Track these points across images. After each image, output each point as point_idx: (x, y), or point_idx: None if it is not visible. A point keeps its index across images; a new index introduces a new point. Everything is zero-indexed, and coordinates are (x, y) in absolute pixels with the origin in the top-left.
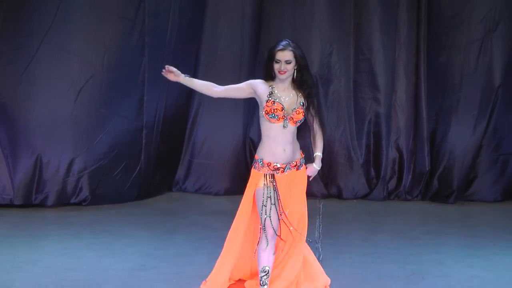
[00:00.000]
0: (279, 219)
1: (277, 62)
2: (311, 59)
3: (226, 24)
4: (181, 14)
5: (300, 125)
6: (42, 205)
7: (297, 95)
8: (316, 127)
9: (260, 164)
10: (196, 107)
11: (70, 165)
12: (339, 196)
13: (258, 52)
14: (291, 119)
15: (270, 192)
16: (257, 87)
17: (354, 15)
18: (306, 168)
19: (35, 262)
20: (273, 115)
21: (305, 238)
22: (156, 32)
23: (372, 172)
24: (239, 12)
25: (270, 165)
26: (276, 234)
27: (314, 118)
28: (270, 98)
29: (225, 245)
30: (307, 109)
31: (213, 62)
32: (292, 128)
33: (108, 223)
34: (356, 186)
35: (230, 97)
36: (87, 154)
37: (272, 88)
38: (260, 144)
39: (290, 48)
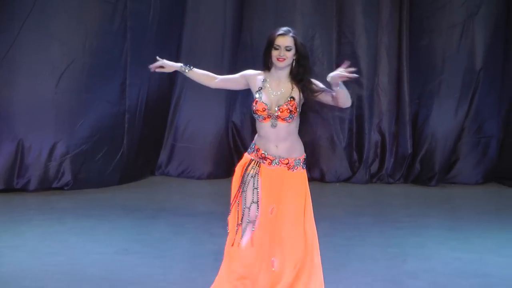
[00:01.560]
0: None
1: (276, 49)
2: None
3: (208, 8)
4: None
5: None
6: (24, 189)
7: (291, 89)
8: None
9: (252, 147)
10: (179, 91)
11: (52, 149)
12: (321, 179)
13: (241, 36)
14: (278, 117)
15: (254, 182)
16: (251, 80)
17: None
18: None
19: (17, 247)
20: (257, 115)
21: (316, 248)
22: (138, 15)
23: (355, 155)
24: None
25: (259, 151)
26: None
27: (325, 95)
28: (256, 97)
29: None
30: (307, 98)
31: (196, 46)
32: (283, 125)
33: (90, 208)
34: (338, 169)
35: (227, 88)
36: (69, 138)
37: (264, 82)
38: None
39: (291, 34)
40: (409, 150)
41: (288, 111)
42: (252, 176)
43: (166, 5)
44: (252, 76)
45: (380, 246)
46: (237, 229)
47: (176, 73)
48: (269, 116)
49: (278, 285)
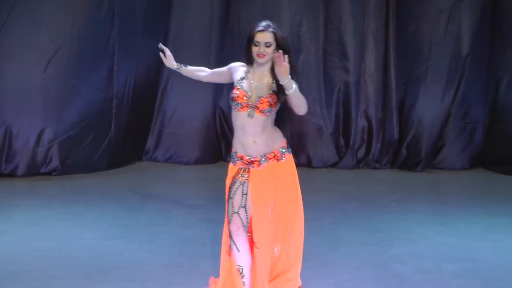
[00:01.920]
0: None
1: (255, 45)
2: (281, 29)
3: None
4: None
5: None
6: (12, 175)
7: (272, 83)
8: None
9: (235, 157)
10: (166, 76)
11: (40, 135)
12: (308, 164)
13: (228, 22)
14: (256, 108)
15: (244, 188)
16: (234, 71)
17: None
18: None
19: (5, 232)
20: (235, 102)
21: (301, 236)
22: (126, 2)
23: (342, 141)
24: None
25: (243, 159)
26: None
27: None
28: (237, 84)
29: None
30: (279, 96)
31: (183, 33)
32: (260, 118)
33: (78, 193)
34: (325, 154)
35: (217, 81)
36: (57, 124)
37: (246, 73)
38: (234, 135)
39: (271, 30)
40: (396, 136)
41: (268, 103)
42: (241, 183)
43: None
44: (235, 68)
45: (366, 231)
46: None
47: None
48: (247, 105)
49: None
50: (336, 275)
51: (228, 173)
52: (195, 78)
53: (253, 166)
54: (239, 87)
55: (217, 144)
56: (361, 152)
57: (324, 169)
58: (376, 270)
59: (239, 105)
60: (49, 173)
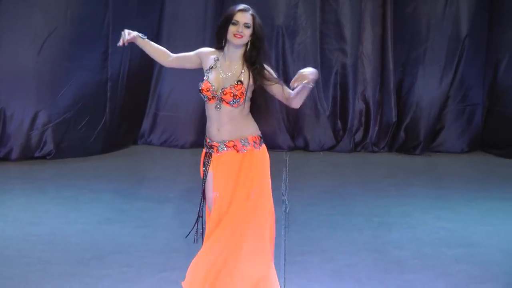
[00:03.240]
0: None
1: (234, 24)
2: (277, 10)
3: None
4: None
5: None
6: (5, 159)
7: (241, 72)
8: (289, 96)
9: (205, 142)
10: None
11: (34, 118)
12: (305, 148)
13: (224, 3)
14: (222, 100)
15: (206, 173)
16: (204, 58)
17: None
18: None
19: None
20: (201, 94)
21: (260, 237)
22: None
23: (339, 124)
24: None
25: (206, 141)
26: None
27: (277, 87)
28: (204, 75)
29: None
30: (257, 84)
31: (178, 14)
32: (227, 109)
33: (73, 177)
34: (322, 138)
35: (182, 67)
36: (51, 107)
37: (216, 61)
38: None
39: (251, 12)
40: (394, 119)
41: (232, 95)
42: (207, 170)
43: None
44: (205, 54)
45: (364, 215)
46: (196, 225)
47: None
48: (213, 97)
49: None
50: (334, 261)
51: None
52: (154, 58)
53: (213, 151)
54: (205, 78)
55: None
56: (358, 135)
57: (321, 153)
58: (374, 255)
59: (205, 97)
60: (43, 157)
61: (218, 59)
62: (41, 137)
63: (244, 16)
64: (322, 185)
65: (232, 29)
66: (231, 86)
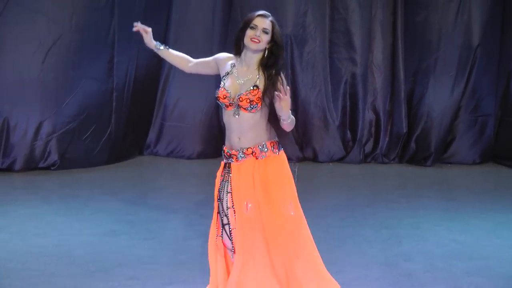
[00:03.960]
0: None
1: (252, 28)
2: (286, 19)
3: None
4: None
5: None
6: (9, 169)
7: (257, 78)
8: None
9: (223, 153)
10: (168, 68)
11: (38, 128)
12: (314, 159)
13: (231, 10)
14: (239, 106)
15: (227, 185)
16: (220, 64)
17: None
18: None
19: (2, 228)
20: (219, 102)
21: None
22: None
23: (348, 135)
24: None
25: (225, 152)
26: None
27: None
28: (221, 82)
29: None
30: (267, 92)
31: (185, 21)
32: (245, 115)
33: (77, 188)
34: (331, 149)
35: (202, 73)
36: (56, 117)
37: (232, 67)
38: None
39: (271, 19)
40: (404, 129)
41: (248, 101)
42: (225, 181)
43: None
44: (222, 60)
45: (374, 227)
46: (216, 240)
47: None
48: (231, 104)
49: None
50: (343, 273)
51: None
52: (175, 65)
53: (232, 161)
54: (221, 85)
55: (220, 138)
56: (368, 146)
57: (331, 164)
58: (384, 268)
59: (222, 104)
60: (47, 168)
61: (234, 65)
62: (45, 147)
63: (263, 21)
64: (331, 197)
65: (249, 33)
66: (247, 92)
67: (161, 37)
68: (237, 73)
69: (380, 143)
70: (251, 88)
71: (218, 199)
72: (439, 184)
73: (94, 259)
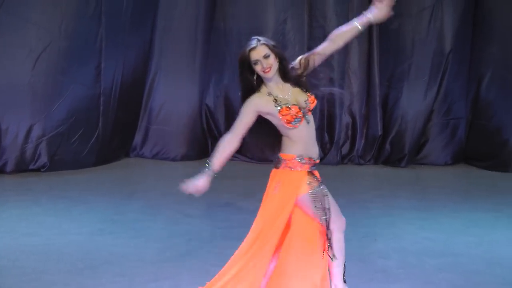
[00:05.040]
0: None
1: (256, 64)
2: (266, 26)
3: None
4: None
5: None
6: (1, 171)
7: (294, 87)
8: (329, 45)
9: (300, 160)
10: (153, 74)
11: (29, 131)
12: None
13: (213, 19)
14: (308, 111)
15: (323, 190)
16: (260, 105)
17: None
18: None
19: None
20: (293, 121)
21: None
22: (113, 0)
23: (326, 137)
24: None
25: (311, 160)
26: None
27: (319, 55)
28: (281, 106)
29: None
30: (307, 67)
31: (170, 30)
32: (311, 118)
33: (66, 189)
34: None
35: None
36: (45, 121)
37: (270, 95)
38: (288, 146)
39: (262, 42)
40: (379, 132)
41: (315, 98)
42: (319, 186)
43: None
44: (259, 102)
45: (351, 226)
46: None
47: (150, 57)
48: (303, 115)
49: None
50: None
51: (275, 181)
52: (232, 155)
53: (315, 169)
54: (286, 106)
55: (203, 141)
56: (345, 148)
57: None
58: (360, 264)
59: (298, 120)
60: (37, 170)
61: (271, 93)
62: (35, 150)
63: (258, 52)
64: None
65: (257, 68)
66: (309, 94)
67: (146, 45)
68: (280, 93)
69: (357, 145)
70: (305, 90)
71: (323, 207)
72: (413, 184)
73: (82, 257)
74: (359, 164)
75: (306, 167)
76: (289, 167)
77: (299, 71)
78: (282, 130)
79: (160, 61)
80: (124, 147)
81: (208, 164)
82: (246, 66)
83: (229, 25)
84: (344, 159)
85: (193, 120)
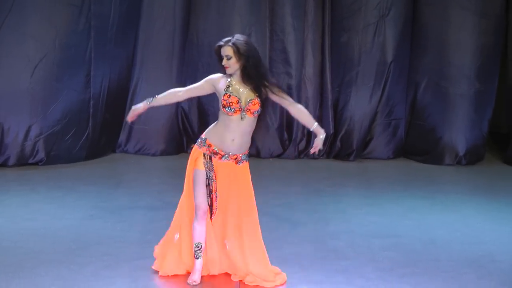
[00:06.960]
0: (210, 197)
1: (221, 58)
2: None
3: (160, 9)
4: (122, 1)
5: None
6: (3, 165)
7: (249, 89)
8: (290, 106)
9: (203, 143)
10: (136, 81)
11: (28, 131)
12: (257, 155)
13: (188, 33)
14: (248, 110)
15: (209, 173)
16: (216, 82)
17: (269, 1)
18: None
19: None
20: (229, 108)
21: (257, 233)
22: (101, 16)
23: (285, 135)
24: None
25: (211, 147)
26: (211, 209)
27: (281, 99)
28: (226, 92)
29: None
30: (263, 98)
31: (149, 43)
32: (250, 119)
33: (61, 180)
34: (271, 146)
35: (193, 96)
36: (43, 121)
37: (229, 81)
38: (212, 127)
39: (230, 44)
40: (331, 131)
41: (259, 104)
42: (211, 171)
43: (124, 8)
44: (217, 80)
45: (307, 211)
46: (211, 209)
47: (133, 66)
48: (240, 109)
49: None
50: (281, 250)
51: (190, 154)
52: (172, 103)
53: (215, 157)
54: (229, 94)
55: (179, 138)
56: (302, 145)
57: (271, 159)
58: (314, 245)
59: (232, 109)
60: (35, 164)
61: (231, 80)
62: (34, 146)
63: (224, 50)
64: (271, 186)
65: (222, 62)
66: (256, 97)
67: (130, 55)
68: (236, 84)
69: (312, 142)
70: (254, 97)
71: (206, 178)
72: (360, 175)
73: (75, 238)
74: (314, 158)
75: (204, 150)
76: (197, 144)
77: (271, 88)
78: (220, 113)
79: (141, 70)
80: (110, 144)
81: (153, 97)
82: (218, 55)
83: (201, 39)
84: (300, 154)
85: (170, 121)
